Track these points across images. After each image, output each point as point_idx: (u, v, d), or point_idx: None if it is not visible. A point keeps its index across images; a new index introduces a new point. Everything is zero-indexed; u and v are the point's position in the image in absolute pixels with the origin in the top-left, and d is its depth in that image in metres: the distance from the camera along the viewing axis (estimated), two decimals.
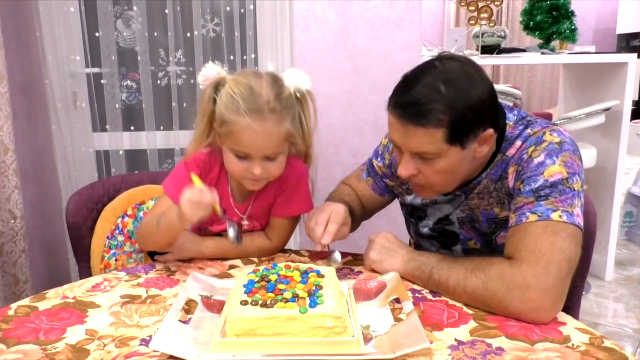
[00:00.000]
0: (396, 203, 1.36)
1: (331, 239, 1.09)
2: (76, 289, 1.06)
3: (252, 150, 1.10)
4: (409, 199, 1.25)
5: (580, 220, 0.96)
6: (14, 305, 0.98)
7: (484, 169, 1.09)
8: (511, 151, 1.05)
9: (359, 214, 1.30)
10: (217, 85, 1.12)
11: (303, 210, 1.26)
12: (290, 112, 1.11)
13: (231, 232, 1.17)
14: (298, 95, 1.13)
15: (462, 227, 1.17)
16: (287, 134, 1.11)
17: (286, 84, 1.12)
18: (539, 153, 1.00)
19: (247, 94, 1.07)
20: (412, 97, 0.96)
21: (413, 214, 1.27)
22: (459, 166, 1.02)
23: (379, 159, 1.31)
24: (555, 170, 0.97)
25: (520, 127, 1.06)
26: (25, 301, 1.00)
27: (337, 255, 1.15)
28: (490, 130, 0.99)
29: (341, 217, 1.12)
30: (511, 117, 1.08)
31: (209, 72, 1.13)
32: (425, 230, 1.24)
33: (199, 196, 1.02)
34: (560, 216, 0.94)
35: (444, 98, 0.94)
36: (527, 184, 0.99)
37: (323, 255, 1.24)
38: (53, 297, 1.02)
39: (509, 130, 1.06)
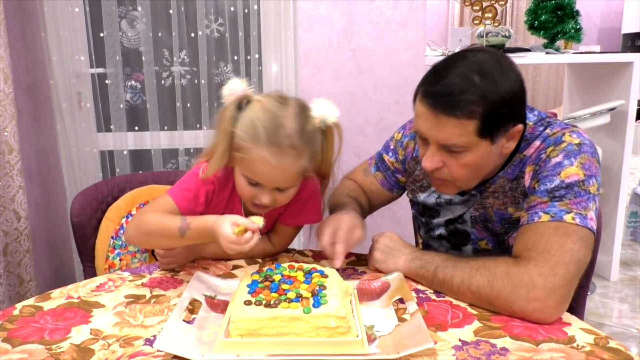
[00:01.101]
0: (400, 203, 1.36)
1: (343, 259, 1.06)
2: (81, 289, 1.06)
3: (264, 181, 1.05)
4: (421, 197, 1.24)
5: (593, 224, 0.95)
6: (19, 305, 0.98)
7: (501, 168, 1.08)
8: (529, 151, 1.04)
9: (366, 209, 1.30)
10: (240, 104, 1.05)
11: (311, 222, 1.23)
12: (310, 148, 1.05)
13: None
14: (323, 127, 1.08)
15: (475, 227, 1.16)
16: (303, 169, 1.06)
17: (313, 114, 1.06)
18: (558, 153, 0.99)
19: (269, 124, 1.01)
20: (444, 87, 0.94)
21: (425, 213, 1.26)
22: (486, 161, 1.01)
23: (391, 153, 1.29)
24: (572, 172, 0.97)
25: (541, 128, 1.05)
26: (30, 301, 1.00)
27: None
28: (520, 126, 0.98)
29: (344, 231, 1.08)
30: (531, 118, 1.07)
31: (236, 86, 1.06)
32: (439, 231, 1.23)
33: (240, 246, 0.95)
34: (573, 218, 0.94)
35: (478, 89, 0.93)
36: (542, 184, 0.98)
37: (325, 256, 1.23)
38: (58, 297, 1.02)
39: (528, 131, 1.05)
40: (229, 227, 0.94)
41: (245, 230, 0.94)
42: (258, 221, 0.96)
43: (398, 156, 1.28)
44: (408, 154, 1.25)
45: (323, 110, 1.07)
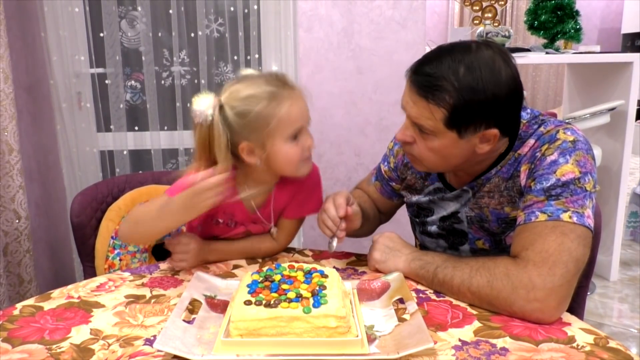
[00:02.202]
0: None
1: (344, 210, 1.10)
2: (81, 289, 1.06)
3: (304, 119, 1.12)
4: (414, 198, 1.25)
5: (590, 222, 0.95)
6: (19, 305, 0.98)
7: (492, 166, 1.08)
8: (524, 149, 1.04)
9: (371, 215, 1.32)
10: (220, 109, 1.07)
11: (314, 211, 1.25)
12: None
13: (335, 243, 1.14)
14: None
15: (471, 227, 1.16)
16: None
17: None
18: (553, 151, 0.99)
19: (263, 84, 1.08)
20: (429, 68, 0.97)
21: (419, 214, 1.26)
22: (453, 152, 1.02)
23: (385, 163, 1.32)
24: (567, 170, 0.97)
25: (535, 126, 1.05)
26: (31, 301, 1.00)
27: (334, 241, 1.13)
28: (495, 131, 0.98)
29: (343, 195, 1.13)
30: (524, 116, 1.07)
31: (202, 104, 1.07)
32: (433, 228, 1.23)
33: (209, 181, 0.97)
34: (570, 217, 0.94)
35: (457, 81, 0.94)
36: (538, 182, 0.98)
37: (327, 255, 1.24)
38: (58, 297, 1.02)
39: (522, 129, 1.05)
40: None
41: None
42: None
43: (390, 164, 1.30)
44: (398, 160, 1.27)
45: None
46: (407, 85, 1.01)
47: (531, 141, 1.04)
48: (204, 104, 1.06)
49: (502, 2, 2.34)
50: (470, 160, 1.05)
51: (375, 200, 1.36)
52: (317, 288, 0.87)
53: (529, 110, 1.08)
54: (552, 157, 0.98)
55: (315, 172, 1.24)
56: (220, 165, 1.06)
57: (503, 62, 0.97)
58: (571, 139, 1.00)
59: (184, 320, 0.88)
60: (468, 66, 0.94)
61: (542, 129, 1.04)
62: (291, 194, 1.23)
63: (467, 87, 0.94)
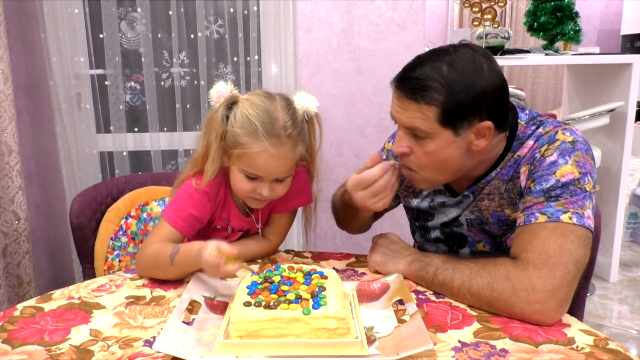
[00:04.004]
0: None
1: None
2: (82, 290, 1.06)
3: (265, 173, 1.10)
4: (415, 202, 1.24)
5: (590, 222, 0.95)
6: (19, 306, 0.98)
7: (492, 168, 1.08)
8: (523, 151, 1.04)
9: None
10: (229, 105, 1.11)
11: (304, 203, 1.27)
12: (303, 137, 1.13)
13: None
14: (306, 118, 1.15)
15: (471, 230, 1.16)
16: (297, 157, 1.13)
17: (297, 106, 1.14)
18: (552, 152, 0.99)
19: (264, 117, 1.07)
20: (414, 73, 0.98)
21: (419, 218, 1.26)
22: (450, 153, 1.01)
23: None
24: (567, 170, 0.97)
25: (533, 127, 1.05)
26: (31, 302, 1.00)
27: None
28: (489, 123, 0.98)
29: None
30: (523, 117, 1.07)
31: (222, 89, 1.12)
32: (435, 234, 1.23)
33: (217, 270, 0.96)
34: (570, 218, 0.94)
35: (443, 78, 0.95)
36: (538, 184, 0.98)
37: (326, 257, 1.24)
38: (59, 297, 1.02)
39: (520, 130, 1.05)
40: (208, 250, 0.95)
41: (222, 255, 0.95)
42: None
43: None
44: (398, 162, 1.26)
45: (305, 102, 1.15)
46: (395, 95, 1.02)
47: (530, 142, 1.04)
48: (223, 88, 1.11)
49: (502, 4, 2.34)
50: (469, 161, 1.04)
51: None
52: (317, 289, 0.87)
53: (527, 112, 1.08)
54: (552, 158, 0.98)
55: (301, 172, 1.24)
56: (210, 170, 1.12)
57: (483, 57, 0.98)
58: (570, 139, 1.00)
59: (183, 322, 0.88)
60: (450, 64, 0.96)
61: (540, 129, 1.04)
62: None
63: (453, 82, 0.95)
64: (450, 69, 0.95)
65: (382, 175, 1.06)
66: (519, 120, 1.06)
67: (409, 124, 1.00)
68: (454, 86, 0.95)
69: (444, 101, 0.95)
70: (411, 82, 0.98)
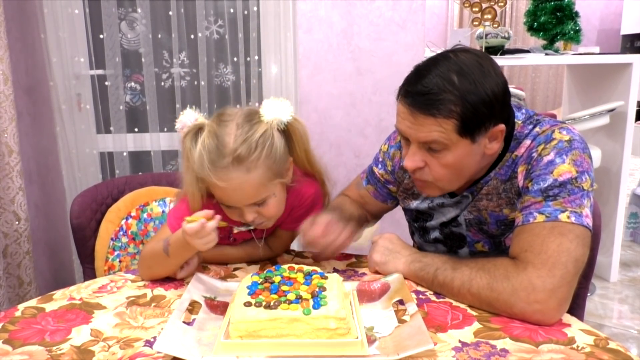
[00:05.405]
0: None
1: (320, 229, 1.07)
2: (83, 290, 1.06)
3: (230, 203, 1.05)
4: (414, 204, 1.24)
5: (589, 221, 0.95)
6: (21, 307, 0.98)
7: (491, 169, 1.08)
8: (520, 150, 1.04)
9: (363, 220, 1.29)
10: (197, 134, 1.04)
11: None
12: (262, 154, 1.01)
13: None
14: (282, 127, 1.05)
15: (470, 230, 1.16)
16: (264, 178, 1.03)
17: (265, 118, 1.04)
18: (549, 151, 0.99)
19: (211, 147, 1.00)
20: (423, 87, 0.95)
21: (418, 219, 1.26)
22: (467, 161, 1.01)
23: (380, 166, 1.29)
24: (564, 170, 0.97)
25: (530, 127, 1.05)
26: (33, 302, 1.01)
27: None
28: (502, 126, 0.98)
29: (326, 217, 1.09)
30: (520, 116, 1.07)
31: (186, 119, 1.06)
32: (434, 234, 1.23)
33: (202, 230, 0.98)
34: (568, 217, 0.94)
35: (457, 89, 0.93)
36: (535, 183, 0.98)
37: (326, 257, 1.24)
38: (60, 298, 1.03)
39: (517, 130, 1.05)
40: (188, 229, 0.97)
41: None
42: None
43: (387, 167, 1.28)
44: (395, 163, 1.25)
45: (274, 112, 1.04)
46: (405, 111, 0.98)
47: (527, 142, 1.04)
48: (187, 117, 1.07)
49: (502, 4, 2.34)
50: (479, 165, 1.04)
51: (366, 204, 1.33)
52: (317, 289, 0.87)
53: (523, 111, 1.08)
54: (549, 157, 0.98)
55: (314, 191, 1.20)
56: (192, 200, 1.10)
57: (485, 60, 0.98)
58: (567, 138, 1.00)
59: (183, 322, 0.88)
60: (458, 72, 0.94)
61: (537, 129, 1.04)
62: (288, 210, 1.19)
63: (467, 92, 0.94)
64: (460, 77, 0.94)
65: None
66: (516, 120, 1.06)
67: (425, 138, 0.98)
68: (468, 96, 0.94)
69: (461, 112, 0.94)
70: (423, 96, 0.95)
